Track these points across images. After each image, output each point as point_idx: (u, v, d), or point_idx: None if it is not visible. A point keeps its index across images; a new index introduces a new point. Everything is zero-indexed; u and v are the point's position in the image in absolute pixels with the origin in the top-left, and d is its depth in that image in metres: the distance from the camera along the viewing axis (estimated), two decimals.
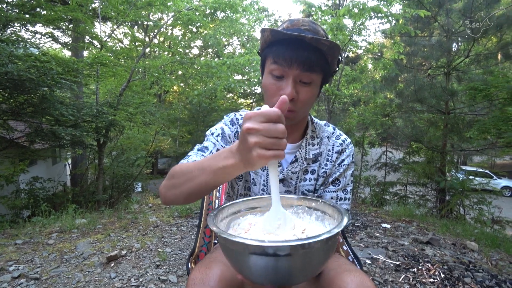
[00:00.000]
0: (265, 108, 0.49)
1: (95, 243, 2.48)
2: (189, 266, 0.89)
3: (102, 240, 2.56)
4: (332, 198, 0.84)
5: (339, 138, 0.87)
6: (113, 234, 2.76)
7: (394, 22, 5.41)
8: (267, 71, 0.74)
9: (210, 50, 14.67)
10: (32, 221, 3.25)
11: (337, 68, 0.78)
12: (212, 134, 0.83)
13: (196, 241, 0.99)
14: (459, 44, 6.48)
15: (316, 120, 0.90)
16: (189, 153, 0.78)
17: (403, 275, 2.02)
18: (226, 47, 14.92)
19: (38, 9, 5.49)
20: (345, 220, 0.52)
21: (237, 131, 0.84)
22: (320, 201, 0.65)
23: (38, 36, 6.42)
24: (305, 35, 0.65)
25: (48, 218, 3.30)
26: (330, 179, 0.85)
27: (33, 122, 5.32)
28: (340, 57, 0.75)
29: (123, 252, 2.28)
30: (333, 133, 0.88)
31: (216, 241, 1.00)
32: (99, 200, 5.80)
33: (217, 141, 0.81)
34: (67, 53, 9.89)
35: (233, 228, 0.64)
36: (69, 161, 8.89)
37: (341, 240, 1.02)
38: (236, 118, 0.86)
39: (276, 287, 0.49)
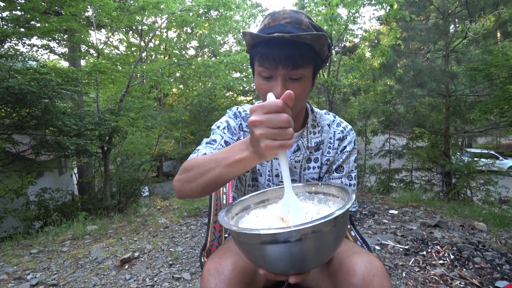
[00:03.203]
0: (270, 97, 0.50)
1: (108, 247, 2.53)
2: (202, 260, 0.92)
3: (114, 244, 2.61)
4: None
5: (340, 126, 0.89)
6: (125, 237, 2.80)
7: (388, 8, 5.37)
8: (256, 72, 0.74)
9: (206, 50, 14.64)
10: (44, 231, 3.31)
11: (329, 54, 0.76)
12: (218, 127, 0.86)
13: (207, 236, 1.01)
14: (457, 25, 6.41)
15: (316, 109, 0.91)
16: (198, 148, 0.80)
17: (413, 259, 2.04)
18: (222, 45, 14.90)
19: (32, 22, 5.52)
20: (352, 198, 0.52)
21: (240, 124, 0.87)
22: (320, 184, 0.65)
23: (35, 49, 6.46)
24: (284, 36, 0.64)
25: (60, 227, 3.36)
26: (334, 166, 0.86)
27: (37, 134, 5.38)
28: (330, 41, 0.72)
29: (136, 254, 2.33)
30: (333, 121, 0.90)
31: (226, 235, 1.03)
32: (108, 207, 5.86)
33: (224, 133, 0.83)
34: (65, 64, 9.93)
35: (242, 224, 0.65)
36: (75, 170, 9.00)
37: (348, 226, 1.04)
38: (239, 112, 0.89)
39: (294, 274, 0.50)
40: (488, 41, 5.40)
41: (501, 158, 10.57)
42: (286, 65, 0.67)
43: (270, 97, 0.51)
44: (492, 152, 9.79)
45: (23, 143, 5.63)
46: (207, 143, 0.81)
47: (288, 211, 0.57)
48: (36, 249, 2.65)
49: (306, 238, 0.44)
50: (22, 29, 5.28)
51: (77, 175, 8.75)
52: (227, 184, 1.14)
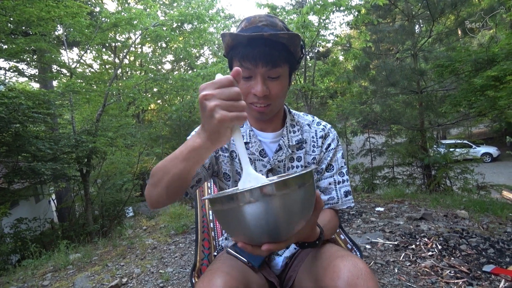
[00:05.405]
0: (218, 76, 0.51)
1: (93, 276, 2.40)
2: (193, 281, 0.88)
3: (100, 272, 2.48)
4: (330, 183, 0.86)
5: (320, 124, 0.91)
6: (111, 263, 2.67)
7: (356, 13, 5.60)
8: None
9: (182, 63, 14.58)
10: (22, 265, 3.10)
11: (302, 55, 0.79)
12: (195, 132, 0.85)
13: (196, 255, 0.98)
14: (421, 25, 6.77)
15: (293, 110, 0.93)
16: None
17: (403, 254, 2.08)
18: (198, 58, 14.89)
19: None
20: (312, 167, 0.55)
21: None
22: (297, 173, 0.67)
23: (2, 72, 6.19)
24: (263, 34, 0.67)
25: (40, 259, 3.15)
26: (323, 166, 0.87)
27: (9, 162, 5.10)
28: (302, 43, 0.76)
29: (124, 280, 2.22)
30: (313, 120, 0.92)
31: (216, 253, 1.00)
32: (91, 232, 5.60)
33: None
34: (35, 85, 9.55)
35: None
36: (53, 196, 8.56)
37: (338, 230, 1.04)
38: None
39: (272, 241, 0.50)
40: (451, 39, 5.74)
41: (474, 146, 11.14)
42: (265, 63, 0.70)
43: (219, 76, 0.51)
44: (465, 141, 10.31)
45: None
46: None
47: (251, 186, 0.57)
48: (14, 285, 2.46)
49: (275, 195, 0.46)
50: None
51: (55, 201, 8.33)
52: None
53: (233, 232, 0.54)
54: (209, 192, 1.12)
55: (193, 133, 0.87)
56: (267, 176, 0.83)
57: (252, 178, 0.56)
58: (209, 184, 1.16)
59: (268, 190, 0.46)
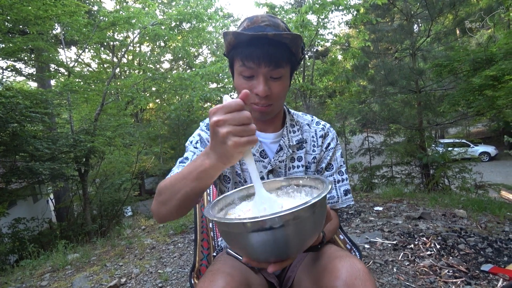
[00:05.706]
0: (226, 99, 0.51)
1: (92, 276, 2.39)
2: (192, 282, 0.88)
3: (98, 272, 2.47)
4: None
5: (319, 124, 0.91)
6: (109, 263, 2.67)
7: (355, 12, 5.59)
8: (237, 72, 0.75)
9: (181, 62, 14.55)
10: (20, 265, 3.08)
11: (302, 56, 0.80)
12: (191, 142, 0.86)
13: (195, 256, 0.98)
14: (420, 25, 6.78)
15: (292, 110, 0.94)
16: (173, 168, 0.80)
17: (402, 253, 2.08)
18: (197, 57, 14.86)
19: None
20: (328, 187, 0.54)
21: None
22: (306, 177, 0.67)
23: None
24: (267, 33, 0.66)
25: (38, 259, 3.14)
26: (323, 165, 0.87)
27: (7, 161, 5.08)
28: (303, 45, 0.76)
29: (123, 280, 2.21)
30: (312, 120, 0.92)
31: (215, 254, 1.00)
32: (89, 231, 5.59)
33: (196, 148, 0.83)
34: (33, 85, 9.51)
35: (231, 216, 0.65)
36: (51, 196, 8.54)
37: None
38: None
39: (279, 260, 0.51)
40: (449, 38, 5.75)
41: (472, 145, 11.19)
42: (268, 63, 0.69)
43: (227, 98, 0.52)
44: (463, 141, 10.35)
45: None
46: (180, 162, 0.80)
47: (264, 208, 0.57)
48: (12, 286, 2.45)
49: (288, 224, 0.46)
50: None
51: (53, 201, 8.30)
52: (211, 199, 1.12)
53: (238, 251, 0.53)
54: (208, 192, 1.12)
55: (191, 139, 0.86)
56: (267, 177, 0.83)
57: (265, 200, 0.55)
58: None
59: (279, 221, 0.45)
